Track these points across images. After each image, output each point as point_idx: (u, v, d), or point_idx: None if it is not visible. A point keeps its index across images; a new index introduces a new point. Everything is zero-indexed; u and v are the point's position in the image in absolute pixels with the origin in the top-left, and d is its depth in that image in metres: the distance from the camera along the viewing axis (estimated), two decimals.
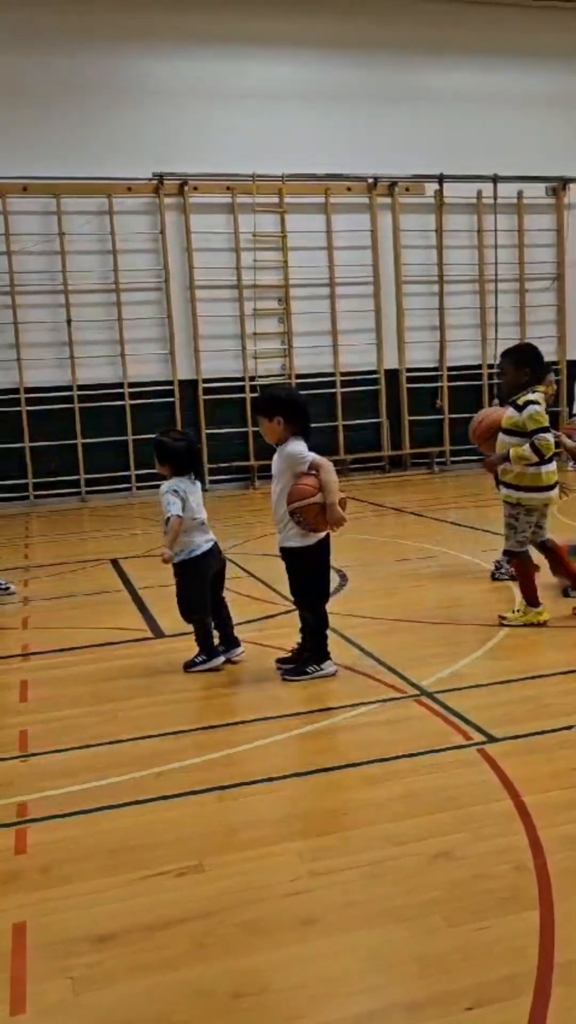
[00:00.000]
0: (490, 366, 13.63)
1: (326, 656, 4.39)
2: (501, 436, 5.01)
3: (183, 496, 4.54)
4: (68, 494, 12.20)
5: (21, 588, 6.89)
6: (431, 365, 13.58)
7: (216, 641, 4.67)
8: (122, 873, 2.69)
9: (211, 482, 12.68)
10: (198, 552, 4.57)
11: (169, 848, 2.82)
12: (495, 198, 13.30)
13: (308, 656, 4.38)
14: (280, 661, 4.52)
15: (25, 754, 3.65)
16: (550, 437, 4.84)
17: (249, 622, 5.42)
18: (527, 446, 4.82)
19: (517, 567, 5.13)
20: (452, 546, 7.42)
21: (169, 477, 4.62)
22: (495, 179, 13.23)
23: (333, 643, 4.86)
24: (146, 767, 3.43)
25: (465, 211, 13.44)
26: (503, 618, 5.08)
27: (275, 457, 4.32)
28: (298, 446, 4.23)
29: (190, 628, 5.31)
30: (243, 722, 3.85)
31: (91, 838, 2.91)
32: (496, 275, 13.52)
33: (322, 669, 4.34)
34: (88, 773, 3.41)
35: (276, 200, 12.69)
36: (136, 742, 3.72)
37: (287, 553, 4.33)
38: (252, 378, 12.65)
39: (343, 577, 6.42)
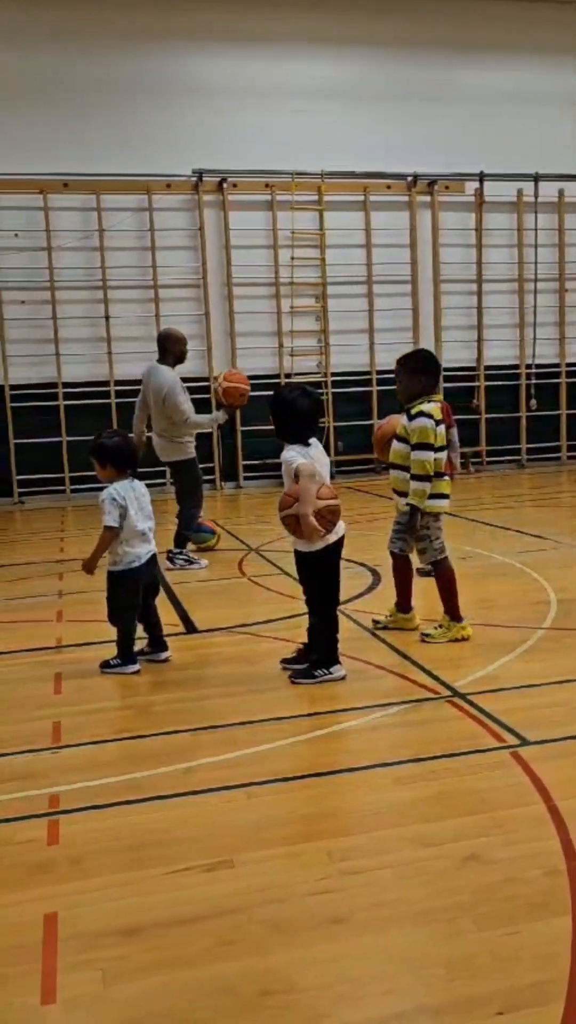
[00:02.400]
0: (528, 366, 13.50)
1: (335, 660, 4.31)
2: (395, 443, 4.86)
3: (123, 504, 4.47)
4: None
5: (56, 581, 6.96)
6: (468, 364, 13.48)
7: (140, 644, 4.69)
8: (150, 867, 2.69)
9: (245, 479, 12.71)
10: (136, 564, 4.52)
11: (197, 844, 2.82)
12: (536, 196, 13.16)
13: (317, 659, 4.32)
14: (285, 661, 4.48)
15: (57, 746, 3.67)
16: (427, 455, 4.65)
17: (280, 619, 5.42)
18: (411, 480, 4.69)
19: (440, 579, 4.88)
20: (487, 547, 7.36)
21: (112, 479, 4.56)
22: (536, 177, 13.10)
23: (366, 641, 4.86)
24: (175, 762, 3.44)
25: (505, 209, 13.32)
26: (376, 622, 5.04)
27: None
28: (287, 452, 4.15)
29: (223, 624, 5.34)
30: (272, 719, 3.85)
31: (121, 831, 2.93)
32: (536, 275, 13.39)
33: (331, 673, 4.27)
34: (118, 766, 3.42)
35: (315, 197, 12.67)
36: (165, 737, 3.73)
37: (296, 556, 4.30)
38: (288, 376, 12.65)
39: (376, 576, 6.39)
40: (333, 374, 12.87)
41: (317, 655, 4.33)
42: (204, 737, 3.71)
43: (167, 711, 4.09)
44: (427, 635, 4.84)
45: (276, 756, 3.47)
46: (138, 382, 12.02)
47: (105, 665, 4.60)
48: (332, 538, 4.18)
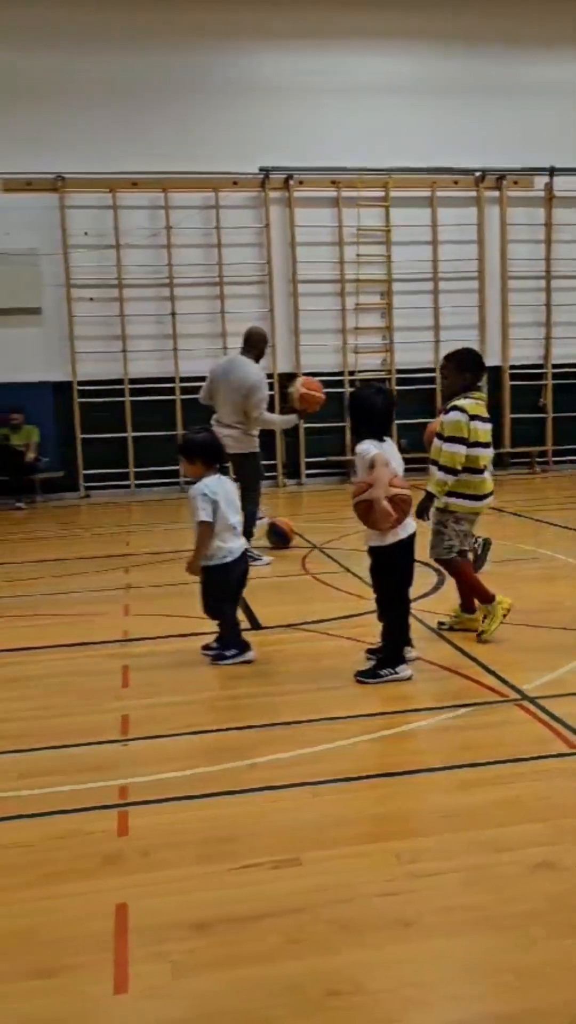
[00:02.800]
0: None
1: (401, 660, 4.31)
2: (435, 441, 4.89)
3: (213, 499, 4.52)
4: (167, 484, 12.43)
5: (122, 575, 7.06)
6: (535, 363, 13.26)
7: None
8: (218, 862, 2.72)
9: (307, 476, 12.72)
10: (230, 559, 4.59)
11: (264, 840, 2.84)
12: None
13: (383, 659, 4.33)
14: (370, 652, 4.50)
15: (126, 738, 3.73)
16: (457, 448, 4.68)
17: (344, 618, 5.41)
18: (438, 472, 4.71)
19: (453, 573, 4.94)
20: (553, 548, 7.24)
21: (202, 474, 4.61)
22: None
23: (431, 642, 4.83)
24: (240, 758, 3.46)
25: None
26: (441, 624, 5.05)
27: None
28: (363, 445, 4.19)
29: (287, 621, 5.36)
30: (337, 718, 3.84)
31: (188, 825, 2.96)
32: None
33: (396, 673, 4.27)
34: (185, 760, 3.46)
35: (381, 194, 12.61)
36: (232, 732, 3.76)
37: (368, 552, 4.32)
38: (352, 373, 12.62)
39: (441, 576, 6.33)
40: (398, 371, 12.79)
41: (384, 654, 4.33)
42: (269, 734, 3.73)
43: (232, 707, 4.12)
44: (481, 633, 4.84)
45: (342, 755, 3.46)
46: (202, 379, 12.14)
47: (219, 658, 4.65)
48: (403, 534, 4.19)
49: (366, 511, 4.04)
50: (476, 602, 4.99)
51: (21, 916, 2.48)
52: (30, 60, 11.64)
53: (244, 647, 4.68)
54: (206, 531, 4.53)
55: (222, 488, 4.62)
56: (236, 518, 4.69)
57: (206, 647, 4.77)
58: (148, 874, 2.67)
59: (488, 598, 4.85)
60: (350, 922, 2.39)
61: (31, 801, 3.15)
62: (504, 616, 4.81)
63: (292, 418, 7.33)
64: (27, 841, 2.87)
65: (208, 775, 3.32)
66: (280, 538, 7.64)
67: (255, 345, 7.25)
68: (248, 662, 4.63)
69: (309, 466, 12.74)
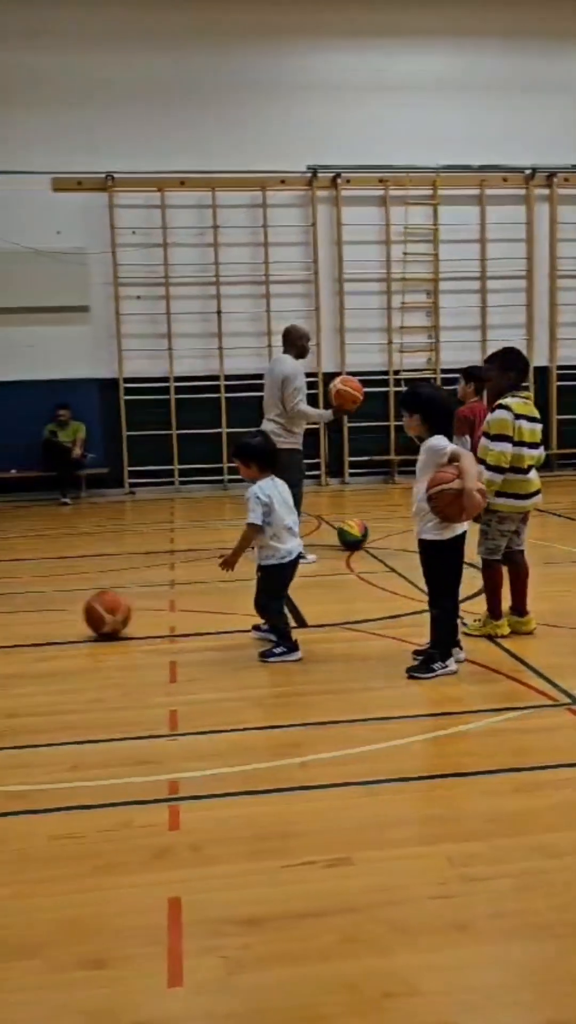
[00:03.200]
0: None
1: (450, 654, 4.35)
2: (482, 440, 4.88)
3: (267, 502, 4.60)
4: (210, 481, 12.47)
5: (168, 571, 7.10)
6: None
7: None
8: (270, 859, 2.72)
9: (351, 475, 12.68)
10: (288, 559, 4.68)
11: (316, 839, 2.83)
12: None
13: (434, 653, 4.35)
14: (417, 653, 4.48)
15: (175, 733, 3.75)
16: (504, 446, 4.67)
17: (388, 618, 5.39)
18: (486, 471, 4.67)
19: (485, 576, 4.95)
20: None
21: (257, 477, 4.71)
22: None
23: (480, 643, 4.78)
24: (290, 755, 3.45)
25: None
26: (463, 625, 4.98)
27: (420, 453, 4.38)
28: (439, 440, 4.25)
29: (333, 620, 5.34)
30: (386, 718, 3.82)
31: (239, 821, 2.96)
32: None
33: (447, 666, 4.31)
34: (234, 756, 3.47)
35: (429, 192, 12.53)
36: (280, 730, 3.76)
37: (422, 545, 4.34)
38: (396, 372, 12.56)
39: None
40: (442, 370, 12.69)
41: (434, 649, 4.33)
42: (318, 732, 3.72)
43: (279, 704, 4.12)
44: (465, 625, 4.92)
45: (392, 755, 3.44)
46: (248, 376, 12.23)
47: (268, 655, 4.68)
48: (459, 530, 4.26)
49: (450, 501, 4.09)
50: (506, 608, 4.96)
51: (74, 906, 2.50)
52: (80, 62, 11.74)
53: (293, 647, 4.69)
54: (249, 532, 4.65)
55: (276, 490, 4.70)
56: (291, 518, 4.75)
57: (256, 627, 4.89)
58: (200, 869, 2.68)
59: (497, 614, 4.93)
60: (404, 924, 2.38)
61: (83, 793, 3.17)
62: (493, 636, 4.86)
63: (327, 413, 7.39)
64: (80, 832, 2.89)
65: (258, 772, 3.32)
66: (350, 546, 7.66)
67: (293, 342, 7.34)
68: (295, 661, 4.63)
69: (352, 465, 12.70)
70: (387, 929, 2.36)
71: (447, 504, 4.11)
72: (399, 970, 2.20)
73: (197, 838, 2.85)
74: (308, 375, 12.41)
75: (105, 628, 5.00)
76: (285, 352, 7.37)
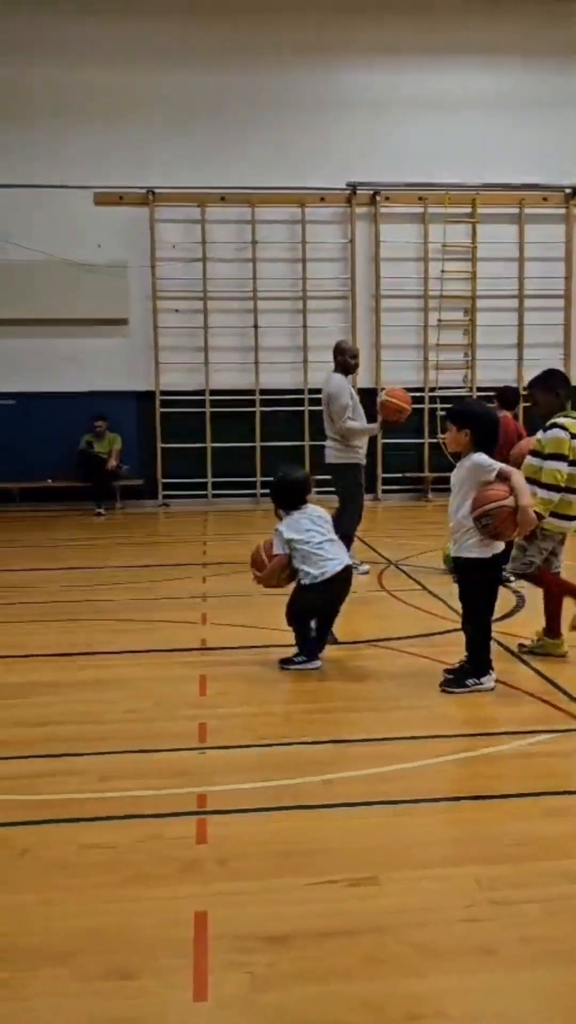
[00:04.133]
0: None
1: (487, 670, 4.35)
2: (528, 458, 4.91)
3: (288, 538, 4.77)
4: (243, 495, 12.53)
5: (200, 584, 7.14)
6: None
7: None
8: (295, 876, 2.72)
9: (383, 492, 12.67)
10: (321, 579, 4.73)
11: (341, 857, 2.83)
12: None
13: (468, 668, 4.35)
14: (448, 672, 4.47)
15: (203, 746, 3.77)
16: (559, 465, 4.69)
17: (420, 636, 5.38)
18: (539, 490, 4.68)
19: (539, 584, 4.95)
20: None
21: (285, 516, 4.87)
22: None
23: (510, 663, 4.75)
24: (316, 772, 3.46)
25: None
26: (522, 646, 4.98)
27: (455, 469, 4.38)
28: (482, 457, 4.27)
29: (363, 637, 5.34)
30: (415, 737, 3.82)
31: (265, 836, 2.97)
32: None
33: (481, 684, 4.30)
34: (261, 772, 3.48)
35: (468, 210, 12.54)
36: (309, 746, 3.76)
37: (461, 563, 4.34)
38: (432, 389, 12.54)
39: (520, 598, 6.24)
40: (479, 388, 12.66)
41: (470, 664, 4.33)
42: (347, 750, 3.72)
43: (308, 720, 4.13)
44: (528, 645, 4.97)
45: (420, 775, 3.43)
46: (283, 391, 12.35)
47: (287, 662, 4.76)
48: (499, 547, 4.28)
49: (506, 518, 4.13)
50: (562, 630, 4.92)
51: (103, 916, 2.53)
52: (124, 79, 11.94)
53: (313, 656, 4.75)
54: (278, 561, 4.82)
55: (300, 523, 4.79)
56: (320, 540, 4.76)
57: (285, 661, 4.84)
58: (227, 883, 2.69)
59: (556, 633, 4.88)
60: (430, 946, 2.37)
61: (113, 803, 3.20)
62: (557, 655, 4.85)
63: (373, 426, 7.43)
64: (109, 842, 2.92)
65: (285, 788, 3.33)
66: None
67: (338, 358, 7.46)
68: (313, 669, 4.70)
69: (385, 482, 12.69)
70: (413, 951, 2.35)
71: (502, 521, 4.13)
72: (425, 993, 2.20)
73: (224, 852, 2.86)
74: None
75: (263, 573, 4.95)
76: (335, 370, 7.49)
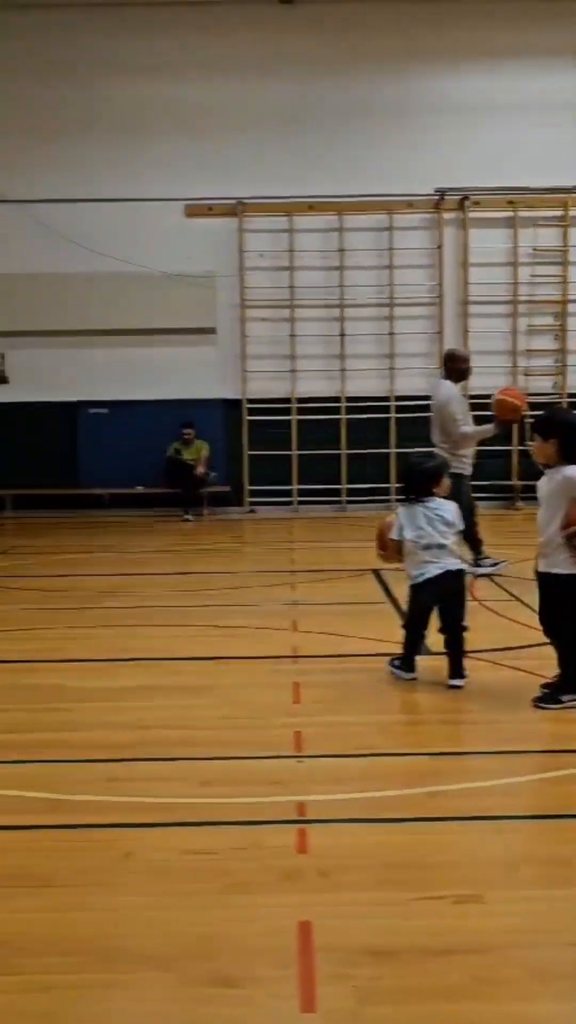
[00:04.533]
0: None
1: None
2: None
3: (401, 523, 4.67)
4: (328, 502, 12.53)
5: (289, 591, 7.16)
6: None
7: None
8: (398, 890, 2.69)
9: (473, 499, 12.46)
10: (421, 579, 4.63)
11: (445, 872, 2.78)
12: None
13: (563, 684, 4.21)
14: (546, 687, 4.36)
15: (300, 754, 3.76)
16: None
17: (516, 648, 5.26)
18: None
19: None
20: None
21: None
22: None
23: None
24: (417, 785, 3.42)
25: None
26: None
27: (542, 480, 4.26)
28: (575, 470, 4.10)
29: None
30: (511, 752, 3.74)
31: (366, 848, 2.95)
32: None
33: None
34: (360, 782, 3.45)
35: (560, 213, 12.29)
36: (406, 758, 3.72)
37: (552, 579, 4.19)
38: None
39: None
40: (570, 395, 12.38)
41: (564, 680, 4.22)
42: (444, 762, 3.67)
43: (404, 732, 4.09)
44: None
45: (519, 791, 3.37)
46: (369, 398, 12.35)
47: (391, 661, 4.76)
48: None
49: None
50: None
51: (207, 922, 2.54)
52: (211, 92, 12.13)
53: (408, 666, 4.68)
54: (394, 546, 4.73)
55: (414, 515, 4.66)
56: (428, 543, 4.61)
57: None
58: (329, 894, 2.68)
59: None
60: (541, 969, 2.31)
61: (212, 809, 3.23)
62: None
63: (488, 428, 7.30)
64: (211, 849, 2.94)
65: (385, 799, 3.30)
66: None
67: (451, 366, 7.45)
68: (408, 680, 4.64)
69: (473, 489, 12.44)
70: (523, 973, 2.29)
71: None
72: (538, 1017, 2.14)
73: (326, 863, 2.85)
74: (426, 398, 12.43)
75: (385, 552, 4.90)
76: (445, 377, 7.47)
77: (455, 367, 7.36)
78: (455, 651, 4.60)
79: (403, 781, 3.46)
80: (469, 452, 7.36)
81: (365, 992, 2.23)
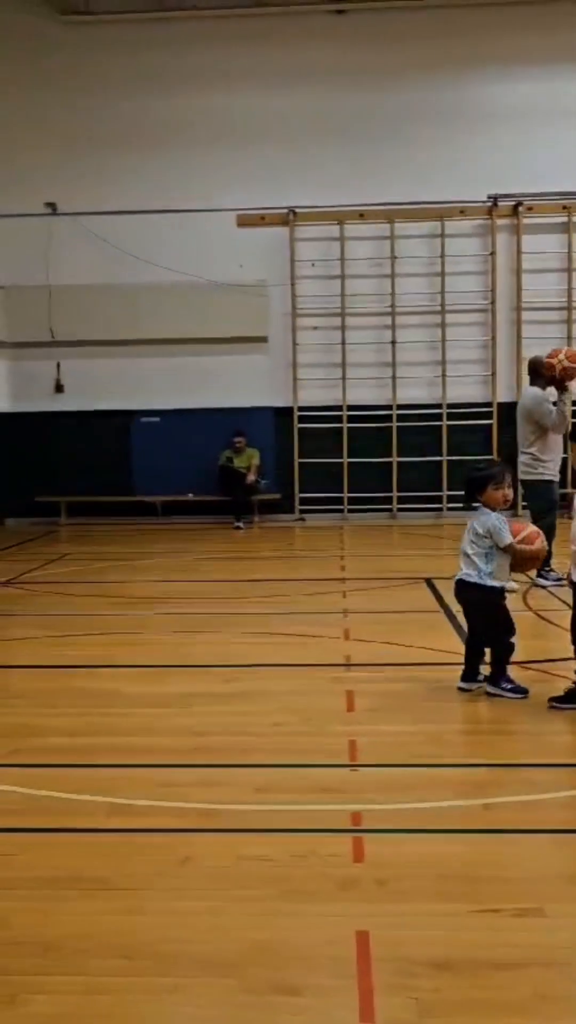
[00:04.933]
0: None
1: None
2: None
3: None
4: (379, 510, 12.48)
5: (340, 599, 7.16)
6: None
7: None
8: (456, 901, 2.67)
9: (523, 508, 12.32)
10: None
11: (504, 885, 2.75)
12: None
13: None
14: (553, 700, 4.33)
15: (355, 764, 3.76)
16: None
17: (567, 659, 5.17)
18: None
19: None
20: None
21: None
22: None
23: None
24: (473, 796, 3.39)
25: None
26: None
27: None
28: None
29: (513, 659, 5.20)
30: (569, 765, 3.69)
31: (424, 859, 2.93)
32: None
33: None
34: (415, 792, 3.43)
35: None
36: (462, 768, 3.69)
37: None
38: (575, 403, 12.13)
39: None
40: None
41: None
42: (501, 774, 3.63)
43: (460, 742, 4.06)
44: None
45: None
46: (420, 406, 12.31)
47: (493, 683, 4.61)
48: None
49: None
50: None
51: (266, 929, 2.55)
52: (262, 101, 12.21)
53: (511, 686, 4.57)
54: None
55: (471, 520, 4.66)
56: (462, 548, 4.66)
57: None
58: (387, 904, 2.67)
59: None
60: None
61: (268, 816, 3.24)
62: None
63: (567, 397, 7.32)
64: (266, 855, 2.94)
65: (442, 810, 3.27)
66: None
67: (541, 373, 7.46)
68: (519, 698, 4.49)
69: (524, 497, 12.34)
70: None
71: None
72: None
73: (383, 872, 2.83)
74: (484, 404, 12.33)
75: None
76: (532, 384, 7.55)
77: (544, 373, 7.37)
78: (468, 655, 4.70)
79: (459, 792, 3.43)
80: (554, 458, 7.41)
81: (426, 1004, 2.21)
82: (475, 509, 4.67)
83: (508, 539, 4.53)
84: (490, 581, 4.55)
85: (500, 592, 4.61)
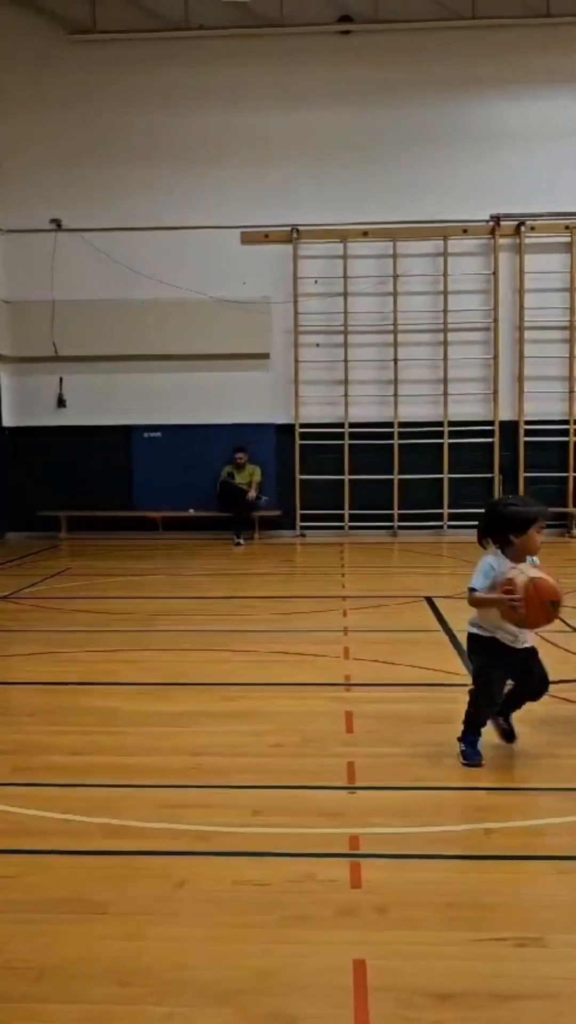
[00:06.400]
0: None
1: None
2: None
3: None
4: (380, 527, 12.47)
5: (340, 617, 7.12)
6: None
7: None
8: (458, 930, 2.63)
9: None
10: None
11: (505, 914, 2.71)
12: None
13: None
14: None
15: (353, 786, 3.72)
16: None
17: (572, 681, 5.14)
18: None
19: None
20: None
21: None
22: None
23: None
24: (475, 821, 3.35)
25: None
26: None
27: None
28: None
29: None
30: (571, 789, 3.64)
31: (422, 885, 2.89)
32: None
33: None
34: (416, 816, 3.39)
35: None
36: (462, 791, 3.65)
37: None
38: None
39: None
40: None
41: None
42: (503, 798, 3.59)
43: (459, 765, 4.00)
44: None
45: None
46: (422, 424, 12.30)
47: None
48: None
49: None
50: None
51: (263, 956, 2.51)
52: (268, 120, 12.30)
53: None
54: None
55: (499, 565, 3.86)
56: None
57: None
58: (386, 932, 2.63)
59: None
60: None
61: (264, 839, 3.20)
62: None
63: None
64: (264, 880, 2.91)
65: (442, 835, 3.24)
66: None
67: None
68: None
69: None
70: None
71: None
72: None
73: (382, 899, 2.79)
74: (486, 423, 12.32)
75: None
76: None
77: None
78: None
79: (459, 816, 3.40)
80: None
81: None
82: (484, 547, 3.95)
83: (474, 583, 3.81)
84: (471, 628, 3.95)
85: (479, 640, 3.94)
